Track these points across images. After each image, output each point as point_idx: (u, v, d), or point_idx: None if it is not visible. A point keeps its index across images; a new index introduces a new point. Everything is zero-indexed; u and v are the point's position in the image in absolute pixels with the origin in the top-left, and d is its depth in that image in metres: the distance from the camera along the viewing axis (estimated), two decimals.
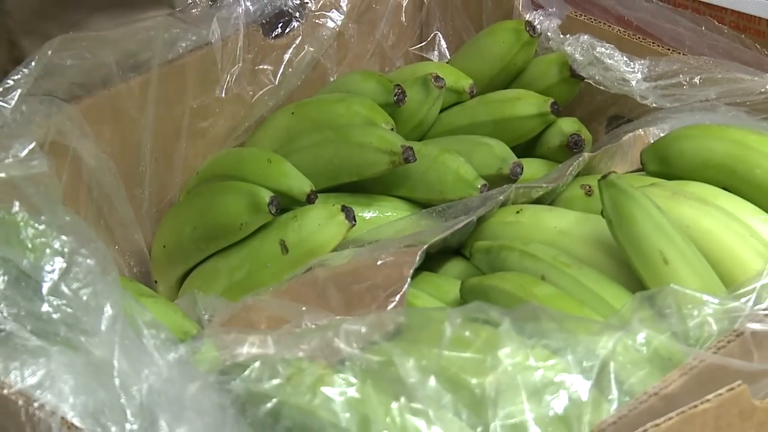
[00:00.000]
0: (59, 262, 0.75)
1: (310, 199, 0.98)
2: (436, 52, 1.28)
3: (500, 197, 0.97)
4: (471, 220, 0.95)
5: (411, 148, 0.99)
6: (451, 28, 1.27)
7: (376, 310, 0.86)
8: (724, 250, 0.86)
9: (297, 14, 1.16)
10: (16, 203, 0.79)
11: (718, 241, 0.86)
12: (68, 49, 1.01)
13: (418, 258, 0.90)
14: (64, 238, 0.77)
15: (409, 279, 0.87)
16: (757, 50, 1.13)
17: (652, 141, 1.02)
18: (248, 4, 1.13)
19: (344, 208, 0.96)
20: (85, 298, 0.74)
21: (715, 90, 1.02)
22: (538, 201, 1.00)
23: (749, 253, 0.85)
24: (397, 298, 0.86)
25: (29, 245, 0.77)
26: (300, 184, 0.99)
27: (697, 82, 1.04)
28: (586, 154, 1.02)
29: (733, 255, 0.85)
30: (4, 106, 0.97)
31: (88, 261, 0.76)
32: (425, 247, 0.91)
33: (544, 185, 0.99)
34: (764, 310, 0.73)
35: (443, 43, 1.27)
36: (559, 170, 1.02)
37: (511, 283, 0.86)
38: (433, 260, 0.98)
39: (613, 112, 1.13)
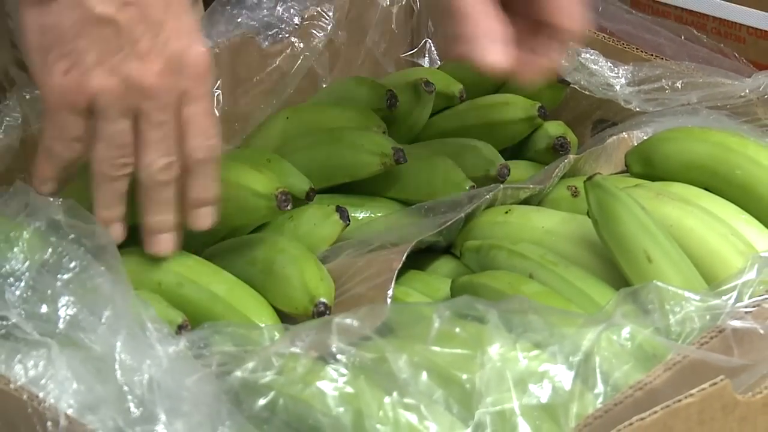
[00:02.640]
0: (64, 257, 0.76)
1: (309, 197, 0.98)
2: (426, 59, 1.27)
3: (487, 195, 0.97)
4: (459, 218, 0.95)
5: (402, 150, 0.99)
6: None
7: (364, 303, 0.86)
8: (707, 249, 0.86)
9: (290, 24, 1.15)
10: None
11: (700, 239, 0.86)
12: None
13: (405, 256, 0.89)
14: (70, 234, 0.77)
15: (395, 273, 0.87)
16: (735, 58, 1.13)
17: (635, 143, 1.02)
18: (243, 14, 1.13)
19: (339, 209, 0.97)
20: (90, 292, 0.74)
21: (696, 94, 1.03)
22: (526, 202, 1.00)
23: (731, 252, 0.85)
24: (387, 293, 0.86)
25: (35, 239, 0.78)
26: (299, 182, 0.98)
27: (679, 86, 1.04)
28: (571, 156, 1.02)
29: (715, 253, 0.86)
30: None
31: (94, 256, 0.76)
32: (413, 245, 0.90)
33: (531, 186, 1.00)
34: (745, 307, 0.73)
35: (433, 49, 1.27)
36: (545, 172, 1.03)
37: (500, 282, 0.86)
38: (422, 259, 0.98)
39: (598, 116, 1.13)
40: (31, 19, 0.80)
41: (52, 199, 0.82)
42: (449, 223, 0.94)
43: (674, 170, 0.96)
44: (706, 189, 0.94)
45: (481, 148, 1.06)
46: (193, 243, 0.92)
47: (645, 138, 1.02)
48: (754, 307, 0.73)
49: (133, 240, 0.89)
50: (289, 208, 0.90)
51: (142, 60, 0.79)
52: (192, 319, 0.84)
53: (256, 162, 0.98)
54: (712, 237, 0.86)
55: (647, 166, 0.98)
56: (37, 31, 0.80)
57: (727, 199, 0.93)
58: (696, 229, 0.87)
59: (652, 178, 0.98)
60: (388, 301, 0.85)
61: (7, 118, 0.96)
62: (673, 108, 1.04)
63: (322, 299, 0.85)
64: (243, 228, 0.96)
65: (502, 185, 0.98)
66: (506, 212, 0.96)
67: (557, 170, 1.00)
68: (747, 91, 1.00)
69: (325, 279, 0.87)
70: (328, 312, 0.85)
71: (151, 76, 0.79)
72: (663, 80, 1.04)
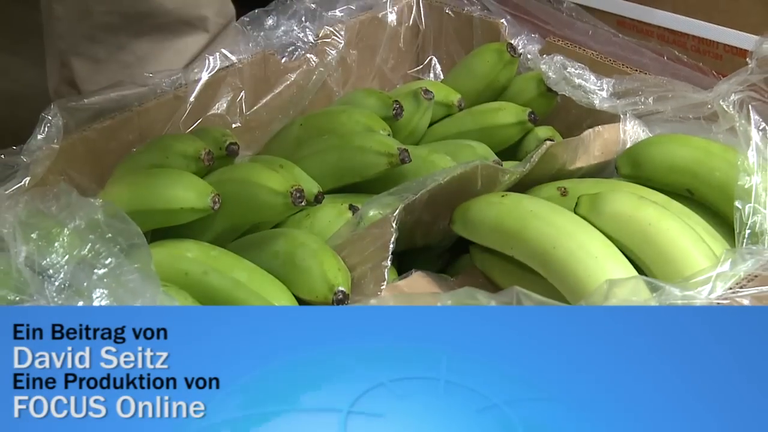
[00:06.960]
0: (101, 254, 0.77)
1: (318, 199, 0.99)
2: (431, 74, 1.29)
3: (462, 169, 0.94)
4: (437, 183, 0.93)
5: (406, 150, 1.00)
6: (444, 53, 1.28)
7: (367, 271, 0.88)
8: (679, 248, 0.86)
9: (306, 43, 1.16)
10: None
11: (674, 239, 0.86)
12: None
13: (395, 224, 0.89)
14: (107, 233, 0.78)
15: (391, 246, 0.87)
16: (713, 75, 1.14)
17: (607, 135, 1.03)
18: (263, 35, 1.14)
19: (351, 207, 0.98)
20: (122, 287, 0.75)
21: (670, 104, 1.03)
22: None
23: (699, 254, 0.85)
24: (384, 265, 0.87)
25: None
26: (309, 186, 0.99)
27: (651, 101, 1.04)
28: (547, 143, 1.01)
29: (685, 253, 0.85)
30: None
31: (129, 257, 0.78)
32: (399, 209, 0.90)
33: (511, 170, 0.98)
34: (717, 299, 0.74)
35: (438, 66, 1.28)
36: (525, 159, 1.01)
37: None
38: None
39: (588, 124, 1.13)
40: None
41: (92, 200, 0.82)
42: (429, 187, 0.92)
43: (659, 171, 0.97)
44: (687, 190, 0.95)
45: (475, 147, 1.07)
46: (217, 240, 0.93)
47: (621, 132, 1.02)
48: (725, 299, 0.74)
49: (161, 236, 0.91)
50: (303, 203, 0.91)
51: None
52: (216, 304, 0.85)
53: (270, 167, 0.99)
54: (685, 238, 0.87)
55: (635, 168, 0.99)
56: None
57: (706, 200, 0.94)
58: (671, 230, 0.87)
59: (640, 179, 0.99)
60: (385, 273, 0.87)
61: (49, 125, 0.96)
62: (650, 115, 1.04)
63: (341, 288, 0.87)
64: (263, 225, 0.96)
65: (479, 161, 0.95)
66: (502, 196, 0.95)
67: (534, 156, 0.99)
68: (711, 99, 1.00)
69: (343, 270, 0.89)
70: (346, 300, 0.87)
71: None
72: (639, 94, 1.04)
